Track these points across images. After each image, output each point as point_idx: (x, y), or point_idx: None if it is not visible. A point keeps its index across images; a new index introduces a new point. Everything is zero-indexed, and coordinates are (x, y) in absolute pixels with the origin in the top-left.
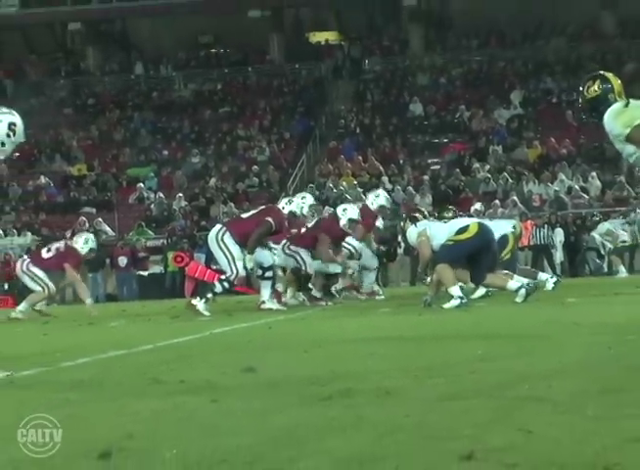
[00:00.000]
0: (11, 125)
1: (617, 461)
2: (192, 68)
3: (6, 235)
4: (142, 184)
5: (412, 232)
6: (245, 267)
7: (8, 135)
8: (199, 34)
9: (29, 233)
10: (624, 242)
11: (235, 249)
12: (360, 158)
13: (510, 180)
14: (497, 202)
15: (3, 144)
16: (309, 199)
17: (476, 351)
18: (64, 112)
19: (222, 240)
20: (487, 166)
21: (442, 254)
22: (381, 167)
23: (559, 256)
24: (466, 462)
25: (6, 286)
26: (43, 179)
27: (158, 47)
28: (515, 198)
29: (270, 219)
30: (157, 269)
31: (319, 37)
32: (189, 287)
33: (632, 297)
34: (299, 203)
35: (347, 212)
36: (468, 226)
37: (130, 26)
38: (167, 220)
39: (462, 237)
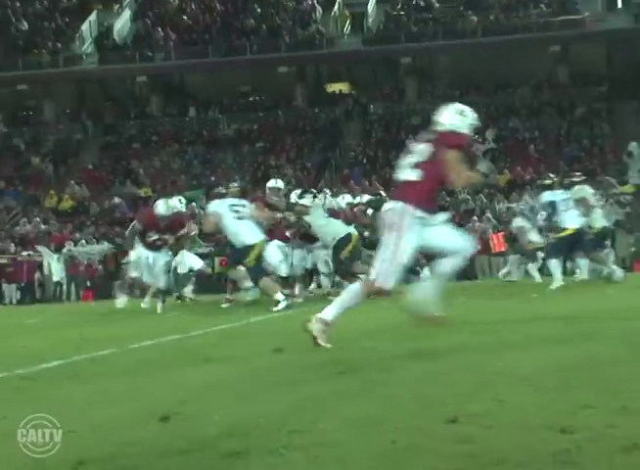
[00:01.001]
0: None
1: (570, 424)
2: (234, 111)
3: (87, 243)
4: (194, 203)
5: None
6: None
7: None
8: (239, 85)
9: (106, 242)
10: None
11: None
12: (367, 182)
13: (485, 200)
14: (475, 217)
15: None
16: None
17: (457, 336)
18: (132, 146)
19: None
20: (467, 189)
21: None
22: (382, 190)
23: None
24: (451, 424)
25: (88, 283)
26: (117, 200)
27: (207, 95)
28: (489, 214)
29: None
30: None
31: (334, 87)
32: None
33: (584, 293)
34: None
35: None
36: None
37: (186, 79)
38: (215, 232)
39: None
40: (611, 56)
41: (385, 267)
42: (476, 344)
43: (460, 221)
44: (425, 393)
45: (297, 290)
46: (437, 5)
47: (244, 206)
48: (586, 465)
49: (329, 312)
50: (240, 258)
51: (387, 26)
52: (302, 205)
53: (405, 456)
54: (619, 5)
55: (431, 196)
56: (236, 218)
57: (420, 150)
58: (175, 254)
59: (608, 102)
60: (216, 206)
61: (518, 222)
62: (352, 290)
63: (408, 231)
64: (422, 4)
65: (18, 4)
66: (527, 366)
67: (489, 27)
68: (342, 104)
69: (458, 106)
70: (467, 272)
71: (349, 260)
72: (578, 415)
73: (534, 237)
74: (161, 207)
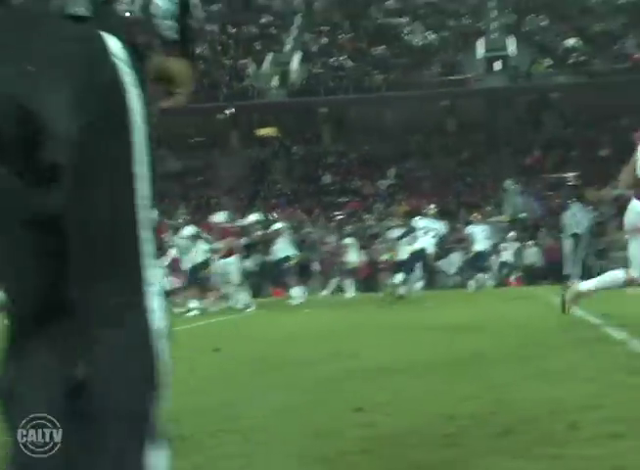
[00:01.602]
0: None
1: (456, 412)
2: (181, 151)
3: None
4: None
5: None
6: None
7: None
8: (185, 128)
9: None
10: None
11: None
12: (290, 210)
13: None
14: (380, 239)
15: None
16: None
17: (366, 338)
18: None
19: None
20: (373, 217)
21: None
22: (304, 216)
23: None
24: (358, 412)
25: None
26: None
27: (158, 136)
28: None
29: None
30: None
31: (263, 132)
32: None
33: (464, 304)
34: None
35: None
36: None
37: None
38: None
39: None
40: (490, 109)
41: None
42: (379, 345)
43: (365, 244)
44: (338, 386)
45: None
46: (350, 65)
47: None
48: (469, 446)
49: (586, 285)
50: None
51: (308, 82)
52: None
53: (320, 439)
54: (497, 68)
55: None
56: None
57: None
58: None
59: (488, 147)
60: None
61: (346, 241)
62: (614, 275)
63: None
64: (336, 64)
65: None
66: (422, 364)
67: (392, 85)
68: (269, 146)
69: None
70: (373, 286)
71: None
72: (463, 404)
73: (353, 257)
74: None
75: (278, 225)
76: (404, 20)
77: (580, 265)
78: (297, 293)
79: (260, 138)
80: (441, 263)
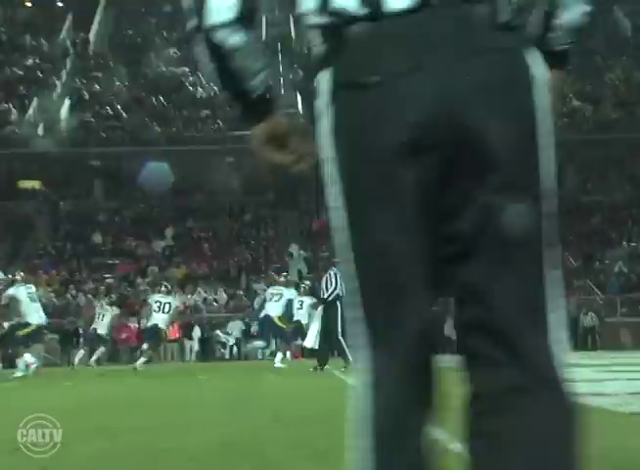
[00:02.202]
0: None
1: None
2: None
3: None
4: None
5: None
6: None
7: None
8: None
9: None
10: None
11: None
12: (54, 272)
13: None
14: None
15: None
16: None
17: (131, 416)
18: None
19: None
20: (147, 280)
21: None
22: (69, 277)
23: (196, 346)
24: None
25: None
26: None
27: None
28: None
29: None
30: None
31: (26, 185)
32: None
33: (242, 378)
34: None
35: None
36: None
37: None
38: None
39: None
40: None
41: None
42: (146, 424)
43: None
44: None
45: None
46: (125, 115)
47: None
48: None
49: None
50: None
51: (78, 131)
52: None
53: None
54: None
55: None
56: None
57: None
58: None
59: (273, 209)
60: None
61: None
62: None
63: None
64: (111, 113)
65: None
66: (192, 444)
67: (172, 138)
68: (33, 200)
69: None
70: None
71: None
72: None
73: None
74: None
75: (10, 292)
76: (186, 69)
77: (320, 337)
78: (29, 359)
79: (23, 191)
80: (221, 333)
